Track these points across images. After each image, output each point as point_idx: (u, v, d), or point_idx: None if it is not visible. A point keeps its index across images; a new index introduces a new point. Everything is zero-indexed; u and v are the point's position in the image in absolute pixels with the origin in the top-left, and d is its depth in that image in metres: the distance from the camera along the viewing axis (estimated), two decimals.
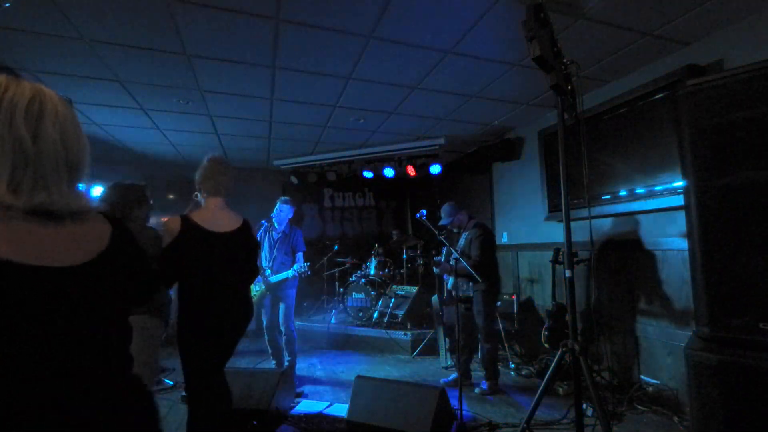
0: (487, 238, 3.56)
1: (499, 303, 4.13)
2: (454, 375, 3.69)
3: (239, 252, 2.08)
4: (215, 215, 2.05)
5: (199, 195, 2.13)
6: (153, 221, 6.46)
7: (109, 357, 0.80)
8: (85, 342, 0.75)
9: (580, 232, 2.92)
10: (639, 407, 2.99)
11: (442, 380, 3.65)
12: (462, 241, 3.64)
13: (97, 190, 4.86)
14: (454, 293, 3.43)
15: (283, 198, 3.86)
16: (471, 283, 3.53)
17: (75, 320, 0.73)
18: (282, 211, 3.77)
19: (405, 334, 4.74)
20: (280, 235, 3.78)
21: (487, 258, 3.50)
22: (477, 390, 3.45)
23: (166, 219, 1.94)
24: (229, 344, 2.08)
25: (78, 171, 0.82)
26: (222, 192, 2.12)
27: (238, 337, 2.09)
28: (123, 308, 0.86)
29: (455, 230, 3.79)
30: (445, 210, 3.76)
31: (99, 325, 0.78)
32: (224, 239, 2.01)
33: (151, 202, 2.27)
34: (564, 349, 2.03)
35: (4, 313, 0.64)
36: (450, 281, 3.72)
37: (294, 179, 6.10)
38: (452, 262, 3.19)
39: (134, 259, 0.92)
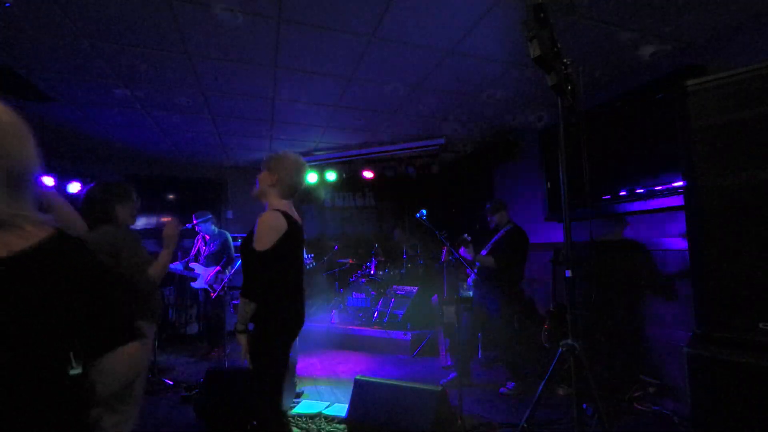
0: (520, 239, 3.56)
1: None
2: (452, 374, 3.68)
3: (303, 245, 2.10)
4: (293, 210, 1.99)
5: (269, 183, 1.97)
6: (152, 221, 6.49)
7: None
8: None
9: (580, 232, 2.92)
10: (639, 407, 2.99)
11: (441, 381, 3.65)
12: (496, 238, 3.64)
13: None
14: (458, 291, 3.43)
15: None
16: (491, 286, 3.52)
17: None
18: None
19: (405, 334, 4.74)
20: None
21: (512, 258, 3.49)
22: (502, 389, 3.43)
23: (267, 216, 1.83)
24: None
25: (21, 178, 0.77)
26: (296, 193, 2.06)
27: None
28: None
29: (492, 226, 3.78)
30: (493, 201, 3.79)
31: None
32: (302, 232, 2.02)
33: (136, 200, 2.16)
34: (564, 349, 2.03)
35: None
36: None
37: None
38: (452, 260, 3.19)
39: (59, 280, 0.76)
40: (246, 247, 1.88)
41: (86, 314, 0.77)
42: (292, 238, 1.87)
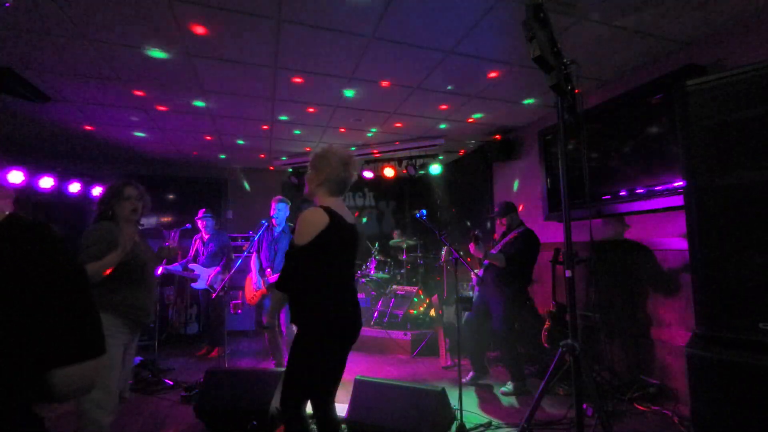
0: (531, 242, 3.55)
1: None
2: (471, 374, 3.69)
3: (357, 246, 2.01)
4: (343, 208, 1.93)
5: (315, 183, 1.92)
6: (152, 221, 6.48)
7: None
8: None
9: (580, 232, 2.92)
10: (639, 407, 2.99)
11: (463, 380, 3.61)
12: (508, 239, 3.63)
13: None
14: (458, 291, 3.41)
15: (279, 197, 3.85)
16: (497, 286, 3.53)
17: None
18: (280, 210, 3.78)
19: (405, 334, 4.74)
20: (280, 234, 3.78)
21: (523, 258, 3.49)
22: (503, 389, 3.43)
23: (307, 212, 1.79)
24: (347, 349, 1.93)
25: None
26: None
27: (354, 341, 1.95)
28: None
29: (504, 228, 3.76)
30: (502, 205, 3.74)
31: None
32: (355, 232, 1.95)
33: (131, 197, 2.20)
34: (564, 349, 2.03)
35: None
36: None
37: (294, 179, 6.11)
38: (452, 260, 3.18)
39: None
40: (291, 242, 1.85)
41: (51, 314, 0.68)
42: (336, 235, 1.80)
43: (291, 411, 1.82)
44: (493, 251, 3.60)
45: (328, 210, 1.80)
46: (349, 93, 3.71)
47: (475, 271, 3.74)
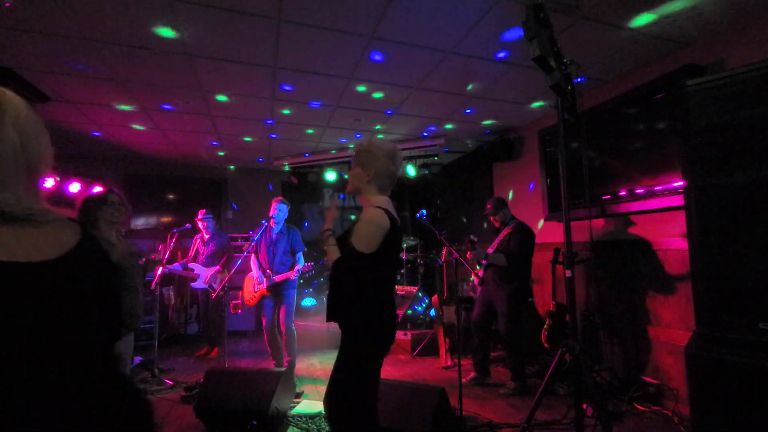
0: (528, 236, 3.58)
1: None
2: (472, 374, 3.69)
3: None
4: (393, 207, 1.84)
5: (366, 180, 1.81)
6: (152, 221, 6.48)
7: (84, 351, 0.78)
8: (60, 335, 0.74)
9: (580, 232, 2.92)
10: (639, 407, 2.99)
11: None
12: (502, 236, 3.65)
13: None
14: (458, 291, 3.41)
15: (279, 198, 3.86)
16: (499, 285, 3.53)
17: (46, 316, 0.72)
18: (281, 210, 3.78)
19: (405, 334, 4.74)
20: (278, 234, 3.78)
21: (523, 255, 3.51)
22: (503, 389, 3.44)
23: (369, 211, 1.71)
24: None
25: (38, 173, 0.81)
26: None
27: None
28: (88, 325, 0.80)
29: (497, 224, 3.79)
30: (493, 202, 3.78)
31: (74, 321, 0.77)
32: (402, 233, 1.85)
33: (115, 202, 2.33)
34: (564, 349, 2.03)
35: None
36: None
37: (294, 179, 6.11)
38: (452, 260, 3.19)
39: (100, 268, 0.86)
40: (344, 242, 1.72)
41: (107, 305, 0.86)
42: (395, 240, 1.73)
43: (369, 425, 1.66)
44: (490, 250, 3.60)
45: (387, 213, 1.71)
46: (349, 93, 3.71)
47: (476, 271, 3.75)
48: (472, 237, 3.51)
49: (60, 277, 0.75)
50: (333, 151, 5.77)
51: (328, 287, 1.82)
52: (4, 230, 0.72)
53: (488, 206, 3.78)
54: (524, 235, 3.56)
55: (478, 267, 3.79)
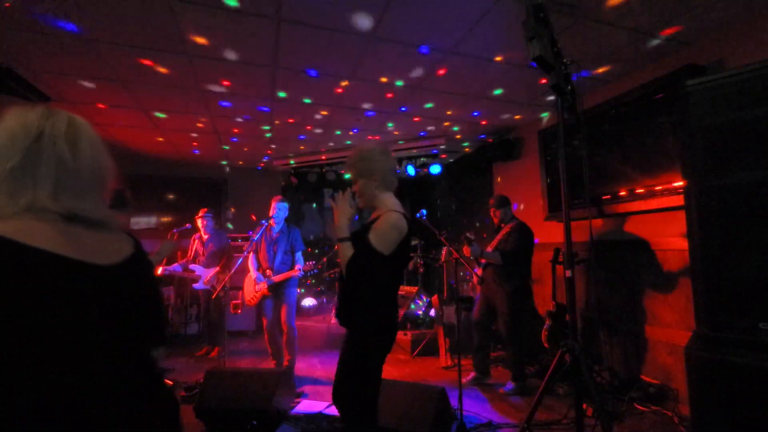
0: (525, 235, 3.58)
1: None
2: (472, 374, 3.69)
3: None
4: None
5: (375, 187, 1.84)
6: (152, 221, 6.49)
7: (134, 353, 0.87)
8: (117, 336, 0.83)
9: (580, 232, 2.92)
10: (639, 407, 2.99)
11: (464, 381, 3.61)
12: (501, 234, 3.66)
13: None
14: (458, 291, 3.42)
15: (279, 197, 3.86)
16: (499, 284, 3.53)
17: (108, 316, 0.81)
18: (280, 209, 3.78)
19: (405, 334, 4.74)
20: (278, 234, 3.78)
21: (521, 253, 3.51)
22: (503, 389, 3.43)
23: (391, 215, 1.73)
24: None
25: (106, 185, 0.93)
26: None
27: None
28: (144, 318, 0.90)
29: (496, 221, 3.81)
30: (496, 198, 3.81)
31: (128, 324, 0.85)
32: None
33: (132, 203, 2.25)
34: (564, 349, 2.03)
35: (48, 302, 0.72)
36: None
37: (294, 179, 6.11)
38: (452, 260, 3.19)
39: (150, 277, 0.98)
40: (361, 240, 1.73)
41: (155, 312, 0.95)
42: (408, 241, 1.78)
43: (368, 419, 1.71)
44: (489, 248, 3.61)
45: (404, 216, 1.76)
46: (349, 93, 3.71)
47: (475, 270, 3.75)
48: (468, 234, 3.51)
49: (120, 282, 0.85)
50: (333, 151, 5.77)
51: (340, 285, 1.83)
52: (83, 233, 0.83)
53: (491, 201, 3.82)
54: (522, 234, 3.57)
55: (477, 265, 3.79)
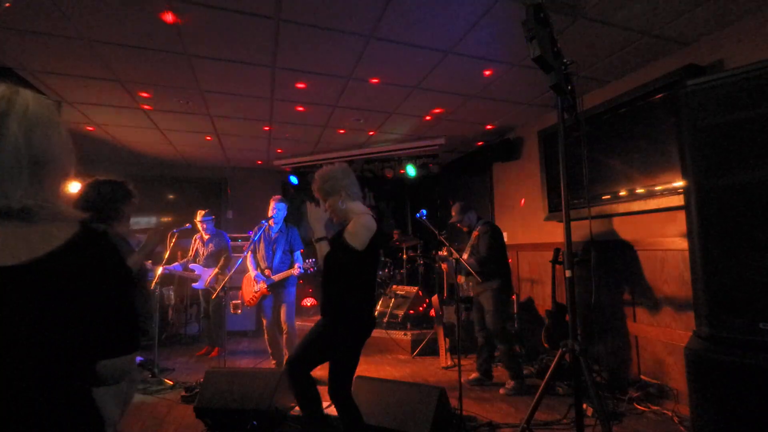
0: (494, 235, 3.60)
1: None
2: (474, 375, 3.69)
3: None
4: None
5: (341, 201, 2.11)
6: (152, 221, 6.48)
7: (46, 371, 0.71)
8: (18, 351, 0.68)
9: (580, 232, 2.92)
10: (639, 407, 2.99)
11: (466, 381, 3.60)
12: (471, 240, 3.67)
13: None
14: (458, 291, 3.44)
15: (278, 197, 3.85)
16: (482, 284, 3.54)
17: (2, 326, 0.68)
18: (279, 209, 3.78)
19: (405, 334, 4.74)
20: (277, 234, 3.78)
21: (494, 254, 3.53)
22: (503, 389, 3.43)
23: (361, 217, 2.00)
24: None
25: (49, 170, 0.77)
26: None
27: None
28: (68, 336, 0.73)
29: (465, 229, 3.82)
30: (456, 208, 3.81)
31: (43, 334, 0.70)
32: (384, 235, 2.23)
33: (137, 197, 2.17)
34: (564, 349, 2.03)
35: None
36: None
37: (294, 179, 6.11)
38: (454, 262, 3.20)
39: (99, 274, 0.78)
40: (337, 240, 2.01)
41: (109, 314, 0.79)
42: (378, 239, 2.02)
43: (344, 398, 2.07)
44: (465, 255, 3.60)
45: (373, 217, 2.04)
46: (348, 92, 3.70)
47: (458, 279, 3.74)
48: (437, 252, 3.53)
49: (34, 282, 0.70)
50: (333, 151, 5.77)
51: (321, 281, 2.09)
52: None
53: (452, 213, 3.82)
54: (491, 234, 3.58)
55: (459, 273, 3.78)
